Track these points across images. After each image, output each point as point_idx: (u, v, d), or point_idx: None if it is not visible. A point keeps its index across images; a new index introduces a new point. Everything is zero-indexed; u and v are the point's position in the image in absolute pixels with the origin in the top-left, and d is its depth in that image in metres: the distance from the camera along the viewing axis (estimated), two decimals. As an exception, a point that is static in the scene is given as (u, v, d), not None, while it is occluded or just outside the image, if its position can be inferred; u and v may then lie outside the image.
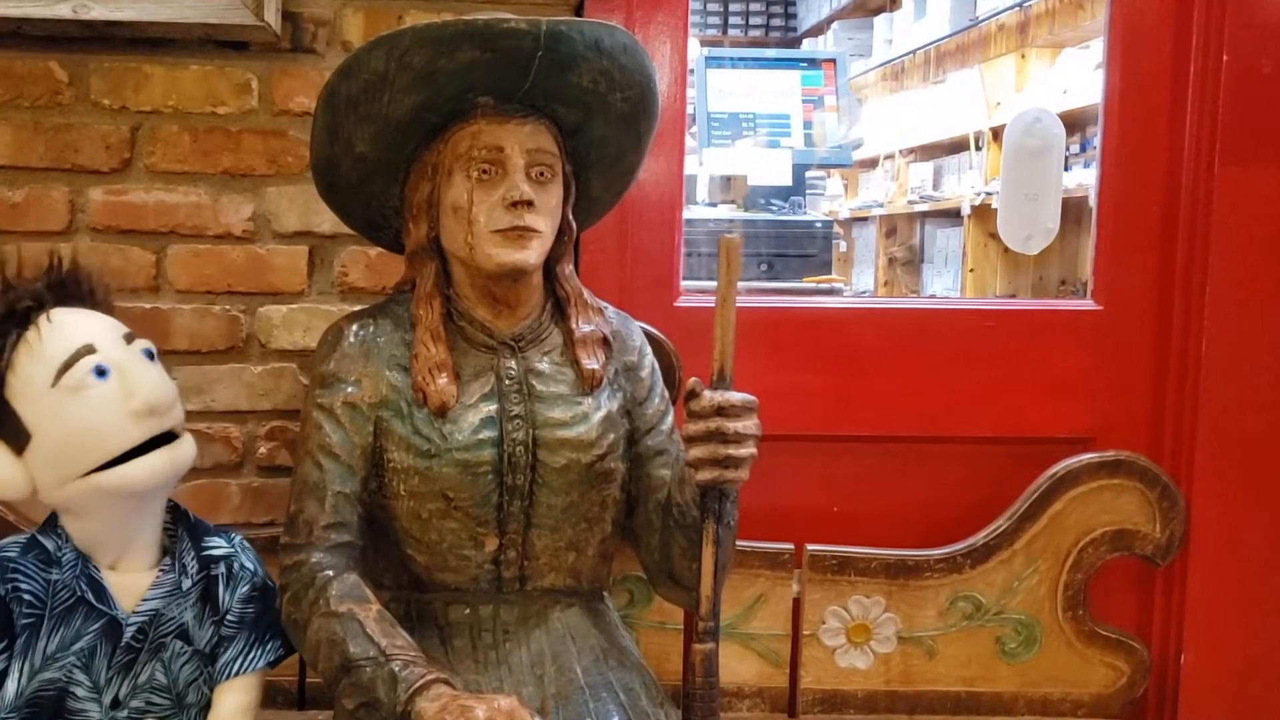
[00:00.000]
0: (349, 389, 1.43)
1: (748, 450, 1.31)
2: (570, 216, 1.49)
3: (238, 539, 1.47)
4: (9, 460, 1.31)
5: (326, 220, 1.78)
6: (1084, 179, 3.44)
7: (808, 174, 3.58)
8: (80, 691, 1.35)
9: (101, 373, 1.32)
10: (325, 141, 1.43)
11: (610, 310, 1.56)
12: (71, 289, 1.39)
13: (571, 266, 1.53)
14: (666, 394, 1.58)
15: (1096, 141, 1.98)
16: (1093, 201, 1.97)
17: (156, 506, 1.40)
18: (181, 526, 1.43)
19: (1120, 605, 1.91)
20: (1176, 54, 1.89)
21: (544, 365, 1.47)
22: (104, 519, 1.35)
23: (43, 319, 1.33)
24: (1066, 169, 3.59)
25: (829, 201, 4.94)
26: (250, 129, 1.80)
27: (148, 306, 1.79)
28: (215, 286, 1.82)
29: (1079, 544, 1.82)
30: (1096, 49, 3.64)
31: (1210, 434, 1.87)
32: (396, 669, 1.26)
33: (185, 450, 1.38)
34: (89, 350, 1.32)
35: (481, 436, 1.41)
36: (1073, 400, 1.92)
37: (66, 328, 1.34)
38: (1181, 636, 1.89)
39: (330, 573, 1.37)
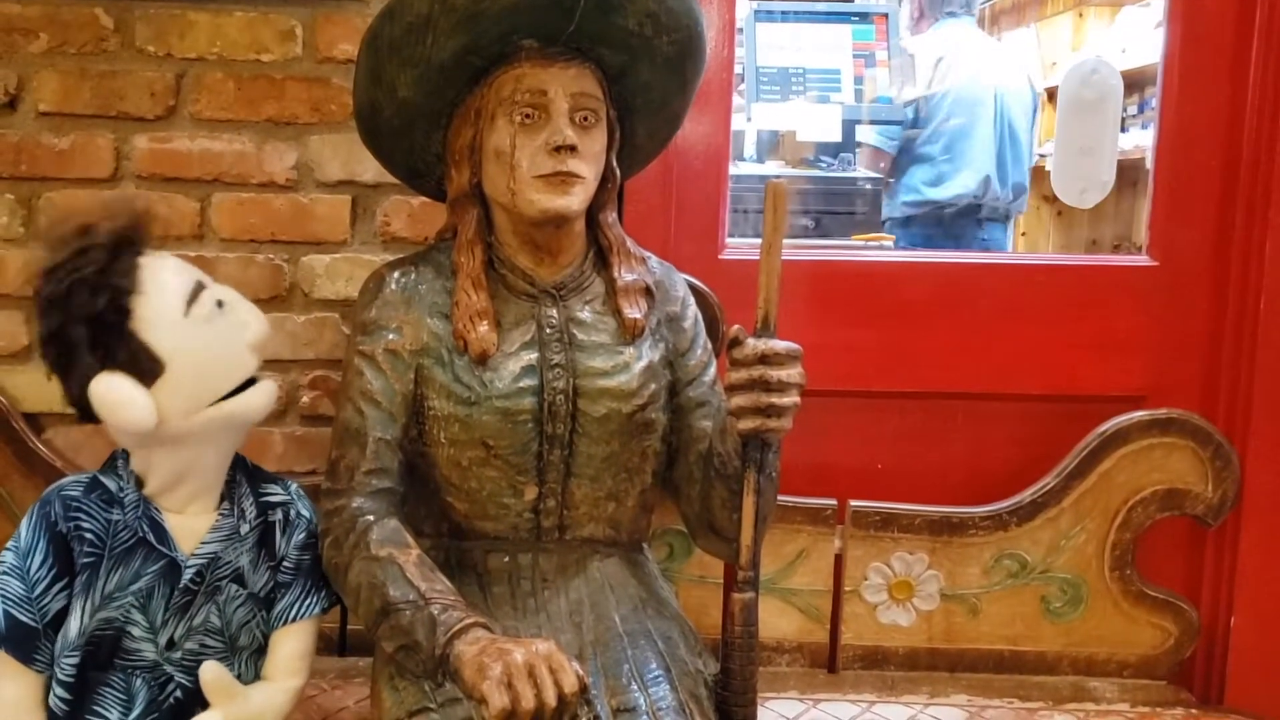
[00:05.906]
0: (390, 336, 1.43)
1: (791, 399, 1.29)
2: (614, 163, 1.47)
3: (294, 486, 1.47)
4: (141, 392, 1.30)
5: (369, 169, 1.78)
6: (1141, 140, 3.38)
7: (858, 131, 3.53)
8: (137, 631, 1.36)
9: (220, 304, 1.36)
10: (368, 86, 1.42)
11: (653, 260, 1.54)
12: (144, 235, 1.38)
13: (615, 215, 1.51)
14: (709, 345, 1.56)
15: (1155, 102, 1.94)
16: (1150, 158, 1.93)
17: (240, 443, 1.42)
18: (240, 472, 1.44)
19: (1169, 565, 1.88)
20: (1241, 5, 1.84)
21: (585, 314, 1.45)
22: (211, 451, 1.37)
23: (146, 257, 1.34)
24: (1123, 130, 3.52)
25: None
26: (294, 77, 1.80)
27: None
28: (259, 235, 1.82)
29: (1128, 503, 1.80)
30: (1157, 7, 3.56)
31: (1267, 393, 1.83)
32: (436, 612, 1.26)
33: (275, 385, 1.43)
34: (204, 285, 1.36)
35: (522, 385, 1.40)
36: (1125, 358, 1.89)
37: (174, 264, 1.36)
38: (1232, 598, 1.85)
39: (371, 518, 1.37)
